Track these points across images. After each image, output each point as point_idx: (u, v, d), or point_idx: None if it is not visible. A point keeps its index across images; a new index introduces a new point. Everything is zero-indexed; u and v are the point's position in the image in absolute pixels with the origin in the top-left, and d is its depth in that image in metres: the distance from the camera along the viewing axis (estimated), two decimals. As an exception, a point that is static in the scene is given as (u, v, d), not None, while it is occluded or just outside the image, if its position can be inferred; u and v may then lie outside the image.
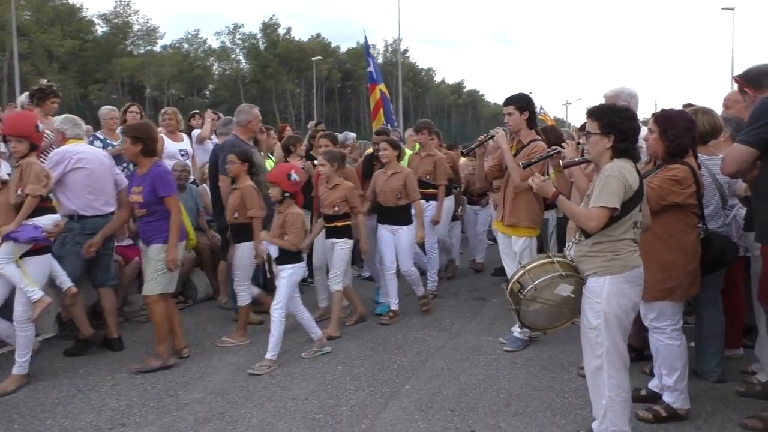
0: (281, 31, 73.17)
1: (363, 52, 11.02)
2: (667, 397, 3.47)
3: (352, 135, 8.27)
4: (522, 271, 2.98)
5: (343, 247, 5.22)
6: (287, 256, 4.57)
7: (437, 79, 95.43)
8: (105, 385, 4.13)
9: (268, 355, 4.42)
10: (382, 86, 10.91)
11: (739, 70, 3.70)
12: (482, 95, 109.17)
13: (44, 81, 6.45)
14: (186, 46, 69.34)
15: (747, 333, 4.43)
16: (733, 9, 39.56)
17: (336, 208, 5.17)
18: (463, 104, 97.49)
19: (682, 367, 3.42)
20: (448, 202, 6.72)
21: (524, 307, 2.98)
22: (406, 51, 72.54)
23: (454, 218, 7.28)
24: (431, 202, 6.34)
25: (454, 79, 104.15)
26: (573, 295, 2.98)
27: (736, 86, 3.87)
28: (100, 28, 61.26)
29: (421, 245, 6.18)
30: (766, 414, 3.31)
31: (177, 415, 3.65)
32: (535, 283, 2.90)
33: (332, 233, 5.25)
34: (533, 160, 3.81)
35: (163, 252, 4.34)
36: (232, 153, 5.00)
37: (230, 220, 5.03)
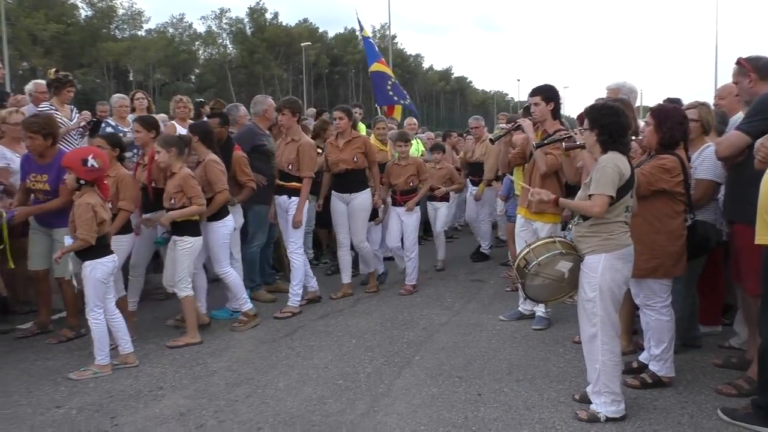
0: (268, 15, 72.85)
1: (351, 37, 11.13)
2: (653, 366, 3.82)
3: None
4: (527, 249, 3.37)
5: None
6: (87, 251, 4.08)
7: (425, 65, 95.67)
8: (138, 353, 4.41)
9: (95, 359, 4.13)
10: (376, 65, 10.32)
11: (724, 61, 4.02)
12: (470, 82, 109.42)
13: (52, 71, 6.66)
14: (171, 30, 68.82)
15: (726, 311, 4.84)
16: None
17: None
18: (451, 91, 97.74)
19: (669, 339, 3.75)
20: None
21: (529, 281, 3.37)
22: (394, 37, 72.55)
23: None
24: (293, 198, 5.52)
25: (441, 66, 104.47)
26: (571, 271, 3.35)
27: (722, 77, 4.22)
28: (84, 12, 60.66)
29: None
30: (739, 382, 3.68)
31: (209, 380, 3.99)
32: (538, 259, 3.28)
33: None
34: (545, 141, 4.14)
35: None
36: (101, 137, 4.95)
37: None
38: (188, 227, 4.68)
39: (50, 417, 3.44)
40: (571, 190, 5.11)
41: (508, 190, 6.51)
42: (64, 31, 53.88)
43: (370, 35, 11.08)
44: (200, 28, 73.40)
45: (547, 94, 4.88)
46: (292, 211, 5.46)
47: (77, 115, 6.25)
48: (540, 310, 5.09)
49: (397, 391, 3.82)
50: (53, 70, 6.77)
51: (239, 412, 3.51)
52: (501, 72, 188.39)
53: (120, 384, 3.91)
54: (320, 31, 76.67)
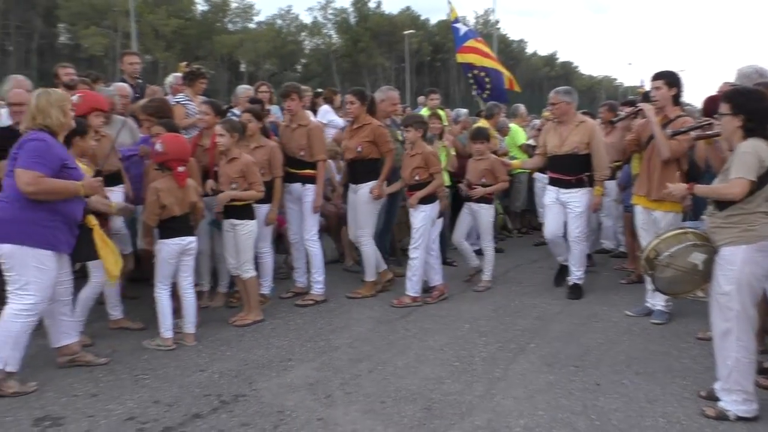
0: (372, 5, 73.64)
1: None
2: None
3: (464, 111, 8.62)
4: (657, 240, 3.32)
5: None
6: (159, 231, 4.44)
7: (528, 51, 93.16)
8: (266, 327, 4.80)
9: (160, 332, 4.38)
10: (460, 56, 9.80)
11: None
12: (576, 67, 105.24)
13: (183, 64, 7.15)
14: (279, 22, 71.27)
15: None
16: None
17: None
18: (556, 77, 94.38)
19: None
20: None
21: (658, 273, 3.31)
22: (497, 22, 71.12)
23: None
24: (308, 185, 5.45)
25: (546, 51, 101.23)
26: (704, 263, 3.26)
27: None
28: (200, 7, 64.11)
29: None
30: None
31: (332, 355, 4.24)
32: (670, 251, 3.22)
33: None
34: (683, 129, 4.02)
35: None
36: (160, 125, 4.88)
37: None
38: (246, 211, 4.87)
39: (195, 379, 3.81)
40: (690, 179, 4.92)
41: (626, 179, 6.32)
42: (183, 26, 57.31)
43: (459, 18, 10.23)
44: (306, 19, 75.51)
45: (670, 79, 4.75)
46: (309, 198, 5.39)
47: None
48: (660, 303, 4.94)
49: (513, 376, 3.89)
50: (184, 63, 7.28)
51: (363, 385, 3.72)
52: (610, 55, 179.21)
53: (253, 354, 4.24)
54: (422, 18, 76.65)
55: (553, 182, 5.68)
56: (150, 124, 5.03)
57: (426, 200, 5.39)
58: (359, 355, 4.23)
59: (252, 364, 4.05)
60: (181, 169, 4.40)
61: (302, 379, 3.82)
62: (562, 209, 5.58)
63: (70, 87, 6.43)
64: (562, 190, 5.55)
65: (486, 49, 9.87)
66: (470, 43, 9.73)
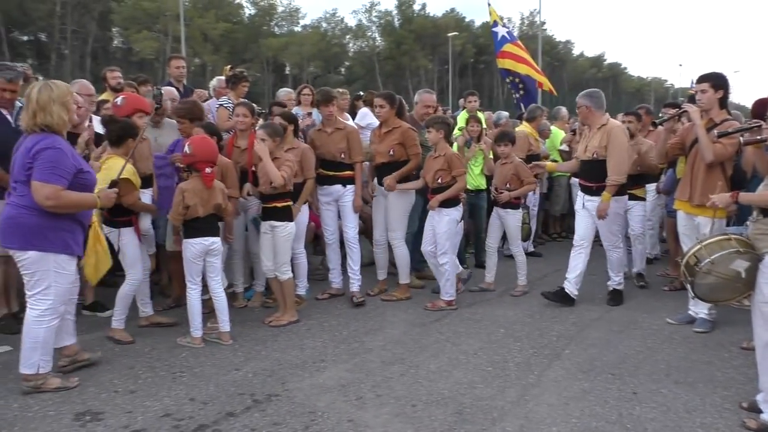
0: (416, 7, 73.69)
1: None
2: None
3: (505, 114, 8.54)
4: (699, 246, 3.22)
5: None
6: (184, 231, 4.54)
7: (575, 52, 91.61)
8: (301, 328, 4.86)
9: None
10: (499, 61, 9.83)
11: None
12: (624, 68, 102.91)
13: (227, 68, 7.30)
14: (324, 25, 72.03)
15: None
16: None
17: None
18: (603, 78, 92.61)
19: None
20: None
21: (699, 279, 3.21)
22: (543, 23, 70.06)
23: None
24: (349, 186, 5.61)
25: (594, 52, 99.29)
26: (747, 271, 3.14)
27: None
28: (248, 11, 65.40)
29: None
30: None
31: (365, 357, 4.26)
32: (711, 257, 3.12)
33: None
34: (730, 131, 3.90)
35: None
36: (199, 127, 4.95)
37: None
38: (285, 213, 4.91)
39: (230, 377, 3.89)
40: (735, 185, 4.74)
41: (670, 184, 6.15)
42: (230, 29, 58.53)
43: (497, 22, 9.92)
44: (351, 21, 76.16)
45: (717, 81, 4.63)
46: (349, 199, 5.55)
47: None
48: (703, 311, 4.79)
49: (547, 383, 3.83)
50: (228, 67, 7.43)
51: (394, 388, 3.73)
52: (660, 56, 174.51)
53: (288, 354, 4.30)
54: (467, 20, 76.28)
55: (581, 187, 5.58)
56: (181, 125, 5.17)
57: (449, 203, 5.33)
58: (392, 358, 4.24)
59: (286, 365, 4.10)
60: (208, 170, 4.47)
61: (334, 380, 3.85)
62: (588, 215, 5.43)
63: (116, 90, 6.68)
64: (587, 197, 5.43)
65: (521, 53, 9.82)
66: (507, 47, 9.72)
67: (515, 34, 11.22)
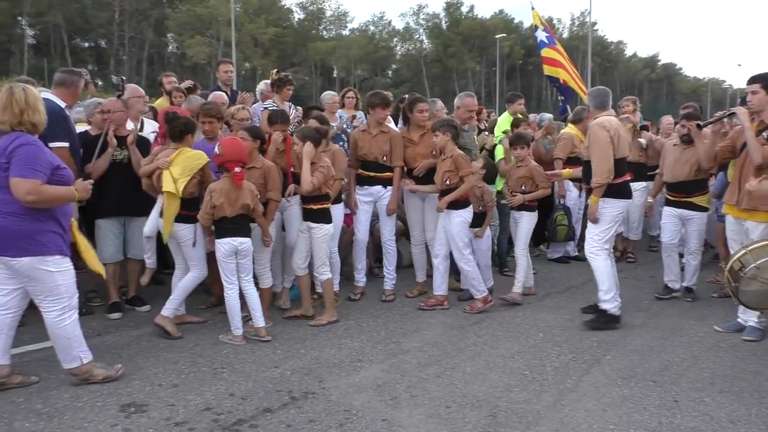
0: (464, 9, 73.37)
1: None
2: None
3: (548, 116, 8.41)
4: (744, 251, 3.13)
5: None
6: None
7: (628, 52, 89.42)
8: (340, 328, 4.92)
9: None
10: (546, 68, 9.87)
11: None
12: (680, 69, 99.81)
13: (273, 71, 7.46)
14: (372, 28, 72.54)
15: None
16: None
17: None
18: (657, 79, 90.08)
19: None
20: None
21: (743, 285, 3.12)
22: (594, 24, 68.73)
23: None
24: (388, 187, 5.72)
25: (647, 53, 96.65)
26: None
27: None
28: (297, 15, 66.47)
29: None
30: None
31: (402, 358, 4.29)
32: (757, 263, 3.03)
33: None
34: None
35: None
36: (244, 130, 5.05)
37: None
38: (323, 215, 4.98)
39: (269, 374, 3.97)
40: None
41: (720, 187, 5.95)
42: (280, 34, 59.61)
43: (538, 26, 9.91)
44: (398, 24, 76.45)
45: None
46: (386, 201, 5.68)
47: (293, 110, 6.98)
48: (753, 319, 4.62)
49: (585, 388, 3.78)
50: (274, 70, 7.59)
51: (429, 389, 3.74)
52: (718, 56, 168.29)
53: (325, 353, 4.37)
54: (515, 21, 75.43)
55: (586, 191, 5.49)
56: (210, 125, 5.32)
57: (459, 204, 5.29)
58: (428, 360, 4.25)
59: (323, 363, 4.17)
60: (237, 170, 4.55)
61: (370, 380, 3.89)
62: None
63: (169, 93, 6.94)
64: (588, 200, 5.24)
65: (559, 58, 9.76)
66: (545, 52, 9.69)
67: (565, 35, 11.18)
